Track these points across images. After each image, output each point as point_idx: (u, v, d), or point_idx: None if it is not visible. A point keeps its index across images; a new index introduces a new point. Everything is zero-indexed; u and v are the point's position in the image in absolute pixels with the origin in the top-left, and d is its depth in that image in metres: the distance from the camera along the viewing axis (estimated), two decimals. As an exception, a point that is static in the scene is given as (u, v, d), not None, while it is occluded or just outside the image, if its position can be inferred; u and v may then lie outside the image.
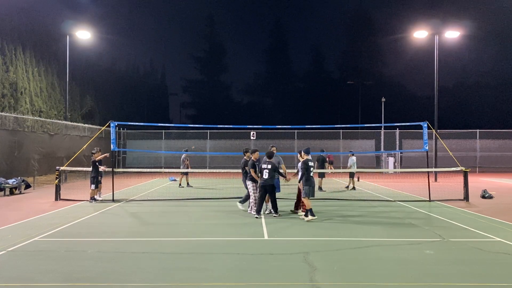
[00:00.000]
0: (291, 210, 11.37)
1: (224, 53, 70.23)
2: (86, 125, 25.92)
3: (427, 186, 14.13)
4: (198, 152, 28.13)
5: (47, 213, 11.20)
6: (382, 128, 29.37)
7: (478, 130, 30.37)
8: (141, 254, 7.07)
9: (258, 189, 10.79)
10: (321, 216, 10.55)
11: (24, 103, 24.53)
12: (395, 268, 6.39)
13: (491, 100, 51.16)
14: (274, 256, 6.96)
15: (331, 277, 5.92)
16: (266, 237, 8.51)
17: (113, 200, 13.44)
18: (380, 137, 29.59)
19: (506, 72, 51.36)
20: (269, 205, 10.95)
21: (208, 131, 30.86)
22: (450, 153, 15.15)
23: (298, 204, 11.18)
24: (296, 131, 30.34)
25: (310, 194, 10.27)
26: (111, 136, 14.20)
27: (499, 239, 8.24)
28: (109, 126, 14.29)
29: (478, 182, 20.48)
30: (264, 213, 10.91)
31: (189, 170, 18.81)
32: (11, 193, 15.21)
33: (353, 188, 17.70)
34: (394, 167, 26.75)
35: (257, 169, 10.90)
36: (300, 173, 10.53)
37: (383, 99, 33.64)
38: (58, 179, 13.81)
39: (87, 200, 13.37)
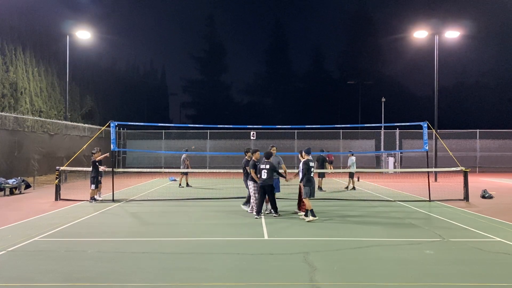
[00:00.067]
0: (294, 211, 11.30)
1: (224, 53, 70.33)
2: (86, 125, 25.92)
3: (427, 186, 14.13)
4: (198, 152, 28.12)
5: (47, 213, 11.21)
6: (382, 128, 29.38)
7: (478, 130, 30.37)
8: (141, 254, 7.07)
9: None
10: (321, 216, 10.55)
11: (24, 103, 24.54)
12: (395, 268, 6.39)
13: (491, 100, 51.13)
14: (274, 256, 6.96)
15: (331, 277, 5.92)
16: (266, 237, 8.51)
17: (113, 200, 13.45)
18: (380, 137, 29.60)
19: (506, 72, 51.36)
20: (269, 205, 10.94)
21: (208, 131, 30.86)
22: (450, 153, 15.15)
23: (300, 204, 11.16)
24: (296, 131, 30.34)
25: (311, 194, 10.27)
26: (111, 136, 14.21)
27: (499, 239, 8.24)
28: (109, 126, 14.30)
29: (478, 182, 20.49)
30: (264, 213, 10.91)
31: (189, 170, 18.83)
32: (11, 193, 15.21)
33: (353, 188, 17.70)
34: (394, 167, 26.75)
35: (257, 170, 10.89)
36: (301, 174, 10.52)
37: (383, 99, 33.60)
38: (58, 179, 13.82)
39: (87, 200, 13.37)
